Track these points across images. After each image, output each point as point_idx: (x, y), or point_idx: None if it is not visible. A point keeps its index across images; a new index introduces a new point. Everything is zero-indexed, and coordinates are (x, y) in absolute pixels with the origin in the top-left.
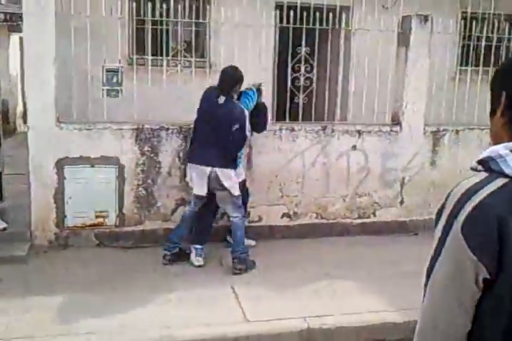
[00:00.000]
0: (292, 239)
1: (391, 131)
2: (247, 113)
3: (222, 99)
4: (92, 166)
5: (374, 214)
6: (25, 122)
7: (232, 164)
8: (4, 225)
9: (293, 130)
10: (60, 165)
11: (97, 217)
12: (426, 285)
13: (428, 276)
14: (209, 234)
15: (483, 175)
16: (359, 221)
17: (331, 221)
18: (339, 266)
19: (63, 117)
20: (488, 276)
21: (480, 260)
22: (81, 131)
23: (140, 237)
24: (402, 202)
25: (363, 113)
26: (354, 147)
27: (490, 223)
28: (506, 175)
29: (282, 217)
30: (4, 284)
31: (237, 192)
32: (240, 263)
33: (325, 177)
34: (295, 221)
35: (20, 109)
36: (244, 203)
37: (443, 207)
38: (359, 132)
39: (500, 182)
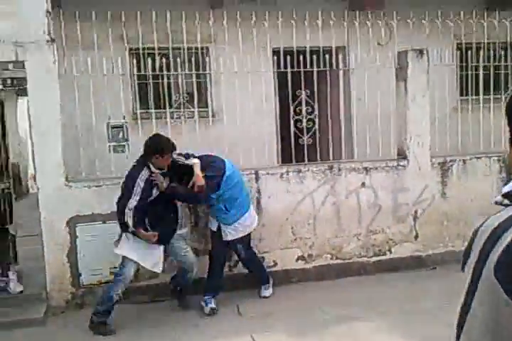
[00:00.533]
0: (309, 282)
1: (398, 165)
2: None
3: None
4: (104, 222)
5: (390, 250)
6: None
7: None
8: (21, 288)
9: (300, 171)
10: (71, 223)
11: (111, 273)
12: (459, 336)
13: (460, 326)
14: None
15: None
16: (375, 259)
17: (346, 261)
18: (359, 306)
19: (71, 174)
20: None
21: None
22: (90, 189)
23: (155, 291)
24: (416, 237)
25: (368, 149)
26: (363, 184)
27: None
28: None
29: (297, 260)
30: None
31: None
32: None
33: (336, 216)
34: (310, 263)
35: (31, 170)
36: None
37: (470, 246)
38: (366, 169)
39: None
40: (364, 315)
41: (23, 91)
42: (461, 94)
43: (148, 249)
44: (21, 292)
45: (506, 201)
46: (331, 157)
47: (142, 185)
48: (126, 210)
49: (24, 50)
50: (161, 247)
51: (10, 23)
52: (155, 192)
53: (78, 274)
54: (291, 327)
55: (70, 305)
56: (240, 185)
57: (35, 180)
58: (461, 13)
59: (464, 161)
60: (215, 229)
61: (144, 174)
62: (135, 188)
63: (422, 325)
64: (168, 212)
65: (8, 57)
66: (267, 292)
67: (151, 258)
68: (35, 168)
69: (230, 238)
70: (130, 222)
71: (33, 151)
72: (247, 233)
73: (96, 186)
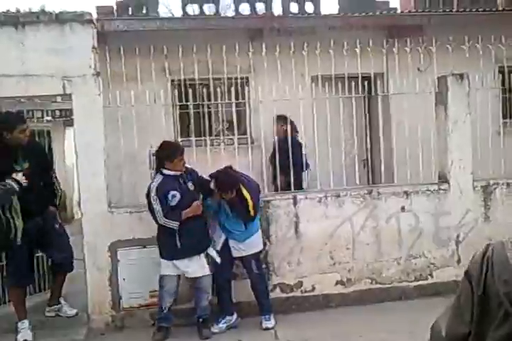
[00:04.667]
0: (348, 307)
1: (439, 189)
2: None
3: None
4: (144, 247)
5: (431, 275)
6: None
7: None
8: (74, 311)
9: (338, 196)
10: (113, 248)
11: (151, 296)
12: None
13: None
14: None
15: None
16: (416, 283)
17: (386, 285)
18: (399, 332)
19: (114, 200)
20: None
21: None
22: (131, 214)
23: (193, 314)
24: (459, 261)
25: (409, 174)
26: (403, 208)
27: None
28: None
29: (336, 284)
30: None
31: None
32: None
33: (376, 240)
34: (349, 288)
35: (76, 197)
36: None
37: None
38: (406, 193)
39: None
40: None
41: (70, 122)
42: (504, 117)
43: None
44: (77, 314)
45: None
46: (370, 181)
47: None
48: (162, 221)
49: (71, 83)
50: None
51: (59, 59)
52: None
53: (119, 297)
54: None
55: (109, 327)
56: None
57: (79, 207)
58: (502, 37)
59: (508, 184)
60: (218, 247)
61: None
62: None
63: None
64: (196, 221)
65: (56, 90)
66: (270, 323)
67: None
68: (79, 194)
69: (244, 254)
70: (173, 224)
71: (78, 179)
72: (259, 250)
73: (137, 212)
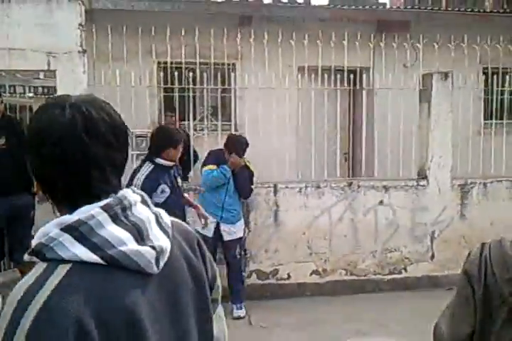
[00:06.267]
0: (322, 297)
1: (418, 185)
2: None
3: None
4: None
5: (405, 269)
6: None
7: None
8: None
9: (318, 187)
10: None
11: None
12: None
13: None
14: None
15: (41, 267)
16: (390, 277)
17: (361, 277)
18: (370, 322)
19: None
20: None
21: None
22: None
23: None
24: (433, 257)
25: (389, 168)
26: (381, 202)
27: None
28: (67, 261)
29: (311, 274)
30: None
31: None
32: None
33: (353, 233)
34: (324, 278)
35: None
36: None
37: None
38: (385, 187)
39: (62, 271)
40: (374, 331)
41: None
42: (485, 118)
43: None
44: None
45: (35, 258)
46: (350, 174)
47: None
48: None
49: (56, 59)
50: None
51: (45, 34)
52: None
53: None
54: (302, 339)
55: None
56: None
57: None
58: (488, 37)
59: (485, 184)
60: (210, 234)
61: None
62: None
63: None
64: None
65: (41, 66)
66: (241, 312)
67: None
68: None
69: (234, 237)
70: None
71: None
72: (243, 235)
73: None
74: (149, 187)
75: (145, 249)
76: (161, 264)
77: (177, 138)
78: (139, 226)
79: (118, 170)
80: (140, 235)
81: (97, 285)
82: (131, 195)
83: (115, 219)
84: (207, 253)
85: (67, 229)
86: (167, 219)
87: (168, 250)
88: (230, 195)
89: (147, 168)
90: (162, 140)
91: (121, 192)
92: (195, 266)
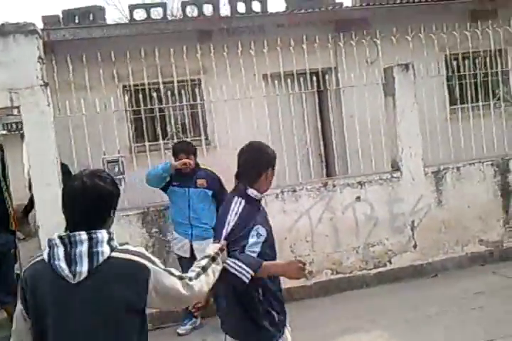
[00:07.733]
0: (311, 299)
1: (392, 177)
2: None
3: None
4: None
5: (390, 261)
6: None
7: None
8: None
9: (294, 191)
10: None
11: None
12: None
13: None
14: None
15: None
16: (375, 271)
17: (347, 275)
18: (362, 318)
19: None
20: None
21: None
22: None
23: (158, 318)
24: (415, 246)
25: (362, 164)
26: (358, 198)
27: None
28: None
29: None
30: None
31: None
32: None
33: (334, 231)
34: (311, 280)
35: None
36: None
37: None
38: (360, 183)
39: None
40: (368, 326)
41: None
42: (451, 104)
43: None
44: None
45: None
46: (324, 174)
47: None
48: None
49: (18, 95)
50: None
51: (4, 71)
52: None
53: None
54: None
55: None
56: None
57: None
58: (444, 25)
59: (458, 168)
60: (188, 254)
61: None
62: None
63: (424, 331)
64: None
65: (4, 103)
66: (185, 329)
67: None
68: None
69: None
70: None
71: (30, 190)
72: None
73: None
74: (245, 230)
75: (66, 267)
76: (78, 279)
77: (274, 160)
78: (72, 253)
79: (84, 217)
80: (69, 258)
81: (38, 269)
82: (83, 235)
83: (64, 244)
84: (149, 284)
85: (49, 240)
86: (105, 257)
87: (84, 273)
88: (193, 209)
89: (237, 202)
90: (265, 161)
91: (77, 232)
92: (114, 290)
